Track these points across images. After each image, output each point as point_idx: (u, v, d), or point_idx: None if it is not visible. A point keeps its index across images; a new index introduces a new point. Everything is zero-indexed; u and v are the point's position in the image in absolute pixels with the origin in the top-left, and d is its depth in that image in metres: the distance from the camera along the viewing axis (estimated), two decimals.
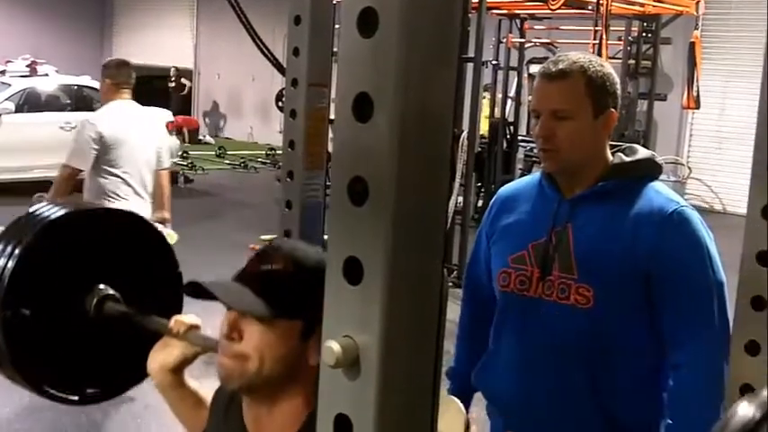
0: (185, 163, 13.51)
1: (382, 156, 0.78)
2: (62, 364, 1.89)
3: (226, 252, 7.04)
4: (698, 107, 10.48)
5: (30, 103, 11.14)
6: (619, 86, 2.03)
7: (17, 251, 1.80)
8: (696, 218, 1.97)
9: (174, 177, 12.22)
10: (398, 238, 0.80)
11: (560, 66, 1.95)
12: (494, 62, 10.71)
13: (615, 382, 1.98)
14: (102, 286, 1.86)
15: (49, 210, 1.87)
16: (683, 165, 13.45)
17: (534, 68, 10.75)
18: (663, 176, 2.12)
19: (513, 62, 11.30)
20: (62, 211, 1.87)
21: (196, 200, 11.08)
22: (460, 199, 7.79)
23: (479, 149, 9.85)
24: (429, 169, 0.82)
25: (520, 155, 11.25)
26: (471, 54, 7.08)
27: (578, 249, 1.97)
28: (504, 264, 2.08)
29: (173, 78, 18.30)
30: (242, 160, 15.17)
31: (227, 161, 15.38)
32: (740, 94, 12.46)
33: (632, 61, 11.63)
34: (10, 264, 1.79)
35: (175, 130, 12.74)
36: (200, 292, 1.40)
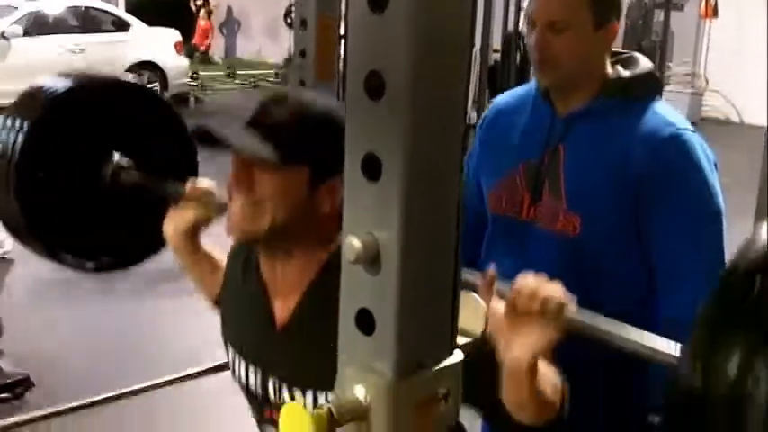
0: (195, 83, 13.44)
1: (399, 48, 0.77)
2: (78, 231, 1.91)
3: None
4: (716, 16, 10.28)
5: (37, 26, 11.03)
6: None
7: (29, 121, 1.81)
8: (695, 141, 1.83)
9: (184, 99, 12.20)
10: (417, 133, 0.79)
11: None
12: None
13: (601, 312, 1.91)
14: (117, 156, 1.87)
15: (62, 80, 1.88)
16: (700, 76, 13.27)
17: None
18: (679, 88, 2.03)
19: None
20: (73, 83, 1.88)
21: (221, 121, 11.04)
22: (474, 114, 7.74)
23: (492, 63, 9.72)
24: (447, 62, 0.81)
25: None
26: None
27: (568, 174, 1.86)
28: (496, 185, 1.99)
29: None
30: (252, 80, 15.07)
31: (237, 81, 15.28)
32: (760, 2, 12.19)
33: None
34: (22, 134, 1.79)
35: (185, 50, 12.62)
36: (208, 138, 1.39)
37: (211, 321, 1.73)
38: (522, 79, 10.75)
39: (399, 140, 0.78)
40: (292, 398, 1.46)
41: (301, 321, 1.45)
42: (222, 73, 15.88)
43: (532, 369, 1.18)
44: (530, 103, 1.96)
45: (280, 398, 1.49)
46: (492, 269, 1.24)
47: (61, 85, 1.87)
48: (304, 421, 0.79)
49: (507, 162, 1.95)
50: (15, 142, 1.80)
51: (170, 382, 3.55)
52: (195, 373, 3.83)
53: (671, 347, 1.07)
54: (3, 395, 3.74)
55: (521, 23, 11.15)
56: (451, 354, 0.87)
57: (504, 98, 2.12)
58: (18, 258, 5.48)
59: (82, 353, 4.28)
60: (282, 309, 1.48)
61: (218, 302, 1.70)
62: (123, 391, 3.46)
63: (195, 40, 17.25)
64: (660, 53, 10.15)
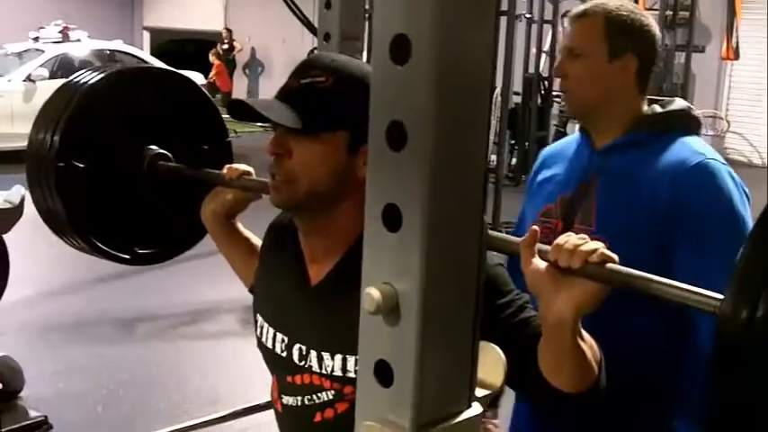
0: (233, 136, 13.54)
1: (420, 98, 0.77)
2: (115, 221, 1.92)
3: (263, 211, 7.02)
4: (737, 58, 10.27)
5: (63, 69, 11.21)
6: (650, 34, 1.93)
7: (66, 112, 1.83)
8: (724, 171, 1.84)
9: None
10: (437, 184, 0.79)
11: (585, 6, 1.91)
12: (527, 15, 10.56)
13: (619, 341, 1.81)
14: (154, 147, 1.89)
15: (95, 73, 1.90)
16: (722, 118, 13.24)
17: None
18: (701, 131, 2.04)
19: (548, 15, 11.13)
20: (110, 72, 1.91)
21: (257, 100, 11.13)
22: (494, 157, 7.74)
23: (513, 106, 9.76)
24: (468, 113, 0.81)
25: (554, 111, 11.12)
26: (504, 7, 7.00)
27: (599, 201, 1.91)
28: (533, 218, 2.05)
29: (225, 40, 18.36)
30: None
31: (259, 124, 15.38)
32: None
33: (670, 12, 11.40)
34: (64, 117, 1.82)
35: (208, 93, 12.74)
36: (245, 113, 1.40)
37: (231, 366, 1.73)
38: (541, 121, 10.77)
39: (420, 190, 0.78)
40: (320, 360, 1.45)
41: (336, 282, 1.45)
42: (261, 128, 16.01)
43: (574, 325, 1.17)
44: (574, 144, 2.05)
45: (306, 362, 1.48)
46: (536, 227, 1.24)
47: (96, 76, 1.89)
48: None
49: (548, 197, 2.03)
50: (54, 135, 1.82)
51: (191, 428, 3.53)
52: (216, 419, 3.81)
53: (712, 295, 1.05)
54: None
55: (541, 66, 11.21)
56: (470, 407, 0.86)
57: (551, 146, 2.24)
58: (36, 299, 5.52)
59: (101, 395, 4.27)
60: (317, 272, 1.49)
61: (252, 289, 1.71)
62: None
63: (217, 83, 17.49)
64: (681, 95, 10.15)
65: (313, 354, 1.47)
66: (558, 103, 11.20)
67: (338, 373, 1.44)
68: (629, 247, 1.81)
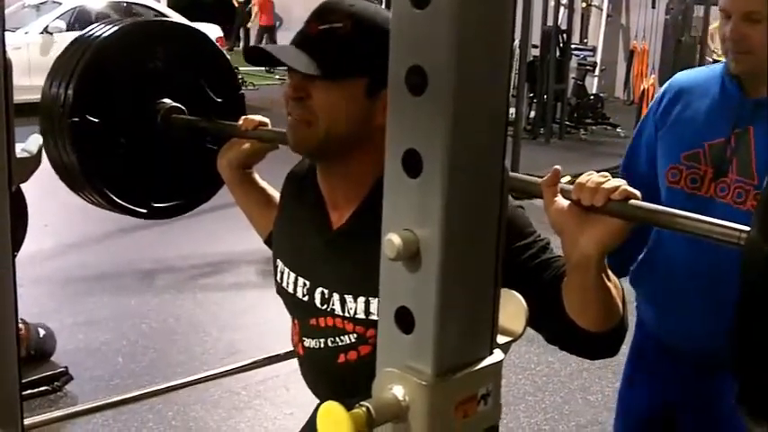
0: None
1: (441, 42, 0.76)
2: (130, 175, 1.92)
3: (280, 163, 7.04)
4: None
5: (80, 21, 11.17)
6: None
7: (79, 66, 1.82)
8: None
9: None
10: (458, 129, 0.78)
11: None
12: None
13: None
14: (167, 100, 1.89)
15: (110, 25, 1.90)
16: None
17: None
18: None
19: None
20: (123, 25, 1.90)
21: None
22: (512, 110, 7.69)
23: (531, 59, 9.66)
24: (490, 57, 0.80)
25: (573, 63, 11.01)
26: None
27: (761, 154, 1.91)
28: (676, 159, 2.04)
29: None
30: None
31: (278, 76, 15.34)
32: None
33: None
34: (77, 72, 1.81)
35: (226, 46, 12.69)
36: (262, 59, 1.40)
37: (250, 317, 1.74)
38: (560, 74, 10.66)
39: (440, 135, 0.77)
40: (343, 302, 1.46)
41: (357, 226, 1.46)
42: (263, 68, 15.96)
43: (600, 263, 1.17)
44: (714, 84, 2.03)
45: (328, 305, 1.49)
46: (557, 167, 1.24)
47: (108, 30, 1.88)
48: (341, 421, 0.78)
49: (691, 140, 2.02)
50: (67, 90, 1.82)
51: (210, 378, 3.57)
52: (235, 369, 3.85)
53: (737, 227, 1.06)
54: (42, 388, 3.78)
55: (560, 18, 11.06)
56: (492, 353, 0.86)
57: (683, 77, 2.17)
58: (56, 250, 5.55)
59: (121, 346, 4.32)
60: (339, 217, 1.50)
61: (268, 242, 1.73)
62: (163, 386, 3.48)
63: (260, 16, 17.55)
64: (700, 48, 10.01)
65: (336, 297, 1.47)
66: (577, 56, 11.09)
67: (361, 315, 1.45)
68: None
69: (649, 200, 2.11)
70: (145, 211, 1.95)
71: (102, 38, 1.86)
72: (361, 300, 1.44)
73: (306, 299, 1.53)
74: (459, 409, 0.82)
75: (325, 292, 1.49)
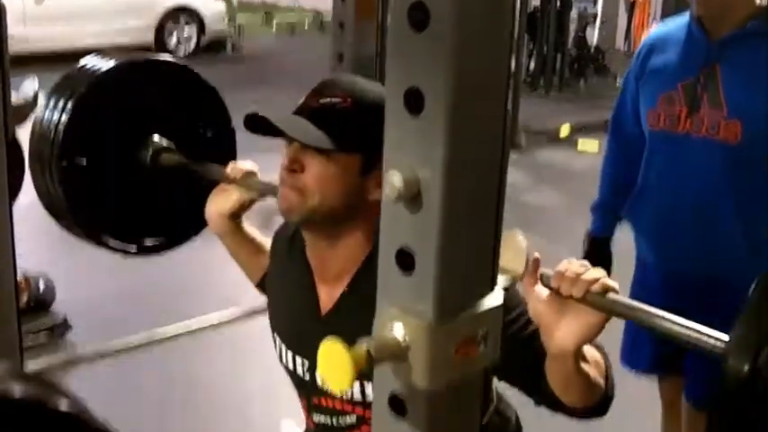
0: (232, 29, 13.38)
1: None
2: (120, 214, 1.93)
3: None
4: None
5: None
6: None
7: (71, 102, 1.80)
8: None
9: (222, 44, 12.16)
10: (461, 65, 0.76)
11: None
12: None
13: (759, 213, 2.10)
14: (157, 138, 1.87)
15: (100, 62, 1.87)
16: None
17: None
18: None
19: None
20: (114, 63, 1.86)
21: (245, 66, 11.03)
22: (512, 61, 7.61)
23: (531, 10, 9.55)
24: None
25: (573, 14, 10.89)
26: None
27: (727, 86, 2.07)
28: (653, 103, 2.20)
29: None
30: (289, 25, 14.97)
31: (274, 27, 15.20)
32: None
33: None
34: (65, 115, 1.80)
35: None
36: (260, 126, 1.38)
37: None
38: (560, 25, 10.56)
39: (443, 72, 0.76)
40: None
41: (346, 310, 1.44)
42: (259, 18, 15.81)
43: (577, 354, 1.17)
44: (683, 32, 2.21)
45: (327, 387, 1.49)
46: (536, 255, 1.22)
47: (102, 64, 1.86)
48: (343, 360, 0.78)
49: (665, 83, 2.20)
50: (59, 123, 1.80)
51: (211, 326, 3.59)
52: (236, 317, 3.87)
53: (717, 336, 1.01)
54: (42, 338, 3.80)
55: None
56: (492, 293, 0.86)
57: (656, 31, 2.41)
58: None
59: (121, 296, 4.33)
60: (328, 296, 1.48)
61: (260, 285, 1.71)
62: (162, 335, 3.50)
63: None
64: None
65: None
66: (578, 6, 10.97)
67: (358, 398, 1.46)
68: (761, 127, 2.03)
69: (636, 155, 2.29)
70: (135, 249, 1.96)
71: (94, 76, 1.84)
72: (356, 384, 1.45)
73: (307, 378, 1.53)
74: (459, 349, 0.82)
75: None
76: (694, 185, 2.15)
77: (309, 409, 1.58)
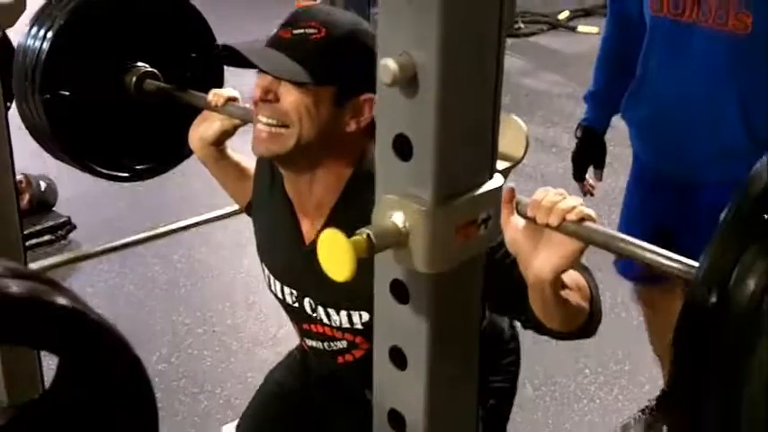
0: None
1: None
2: (108, 142, 1.93)
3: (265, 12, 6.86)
4: None
5: None
6: None
7: (51, 33, 1.79)
8: None
9: None
10: None
11: None
12: None
13: (765, 109, 1.95)
14: (140, 64, 1.86)
15: None
16: None
17: None
18: None
19: None
20: None
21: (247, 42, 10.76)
22: None
23: None
24: None
25: None
26: None
27: None
28: None
29: None
30: None
31: None
32: None
33: None
34: (46, 43, 1.78)
35: None
36: (235, 58, 1.36)
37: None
38: None
39: None
40: (328, 315, 1.50)
41: None
42: None
43: (555, 283, 1.16)
44: None
45: (317, 314, 1.52)
46: (512, 186, 1.20)
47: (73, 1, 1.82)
48: (343, 247, 0.78)
49: None
50: (41, 50, 1.78)
51: (214, 219, 3.59)
52: (235, 211, 3.87)
53: (688, 263, 0.99)
54: (46, 237, 3.82)
55: None
56: (491, 178, 0.85)
57: None
58: None
59: (122, 195, 4.32)
60: (310, 228, 1.49)
61: (248, 211, 1.71)
62: (165, 229, 3.51)
63: None
64: None
65: (320, 309, 1.50)
66: None
67: (346, 325, 1.48)
68: None
69: (636, 40, 2.11)
70: (127, 174, 1.96)
71: (68, 9, 1.80)
72: (344, 313, 1.46)
73: (297, 306, 1.54)
74: (460, 233, 0.82)
75: (312, 302, 1.51)
76: (697, 78, 2.01)
77: (302, 333, 1.62)
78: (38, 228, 3.79)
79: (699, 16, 1.95)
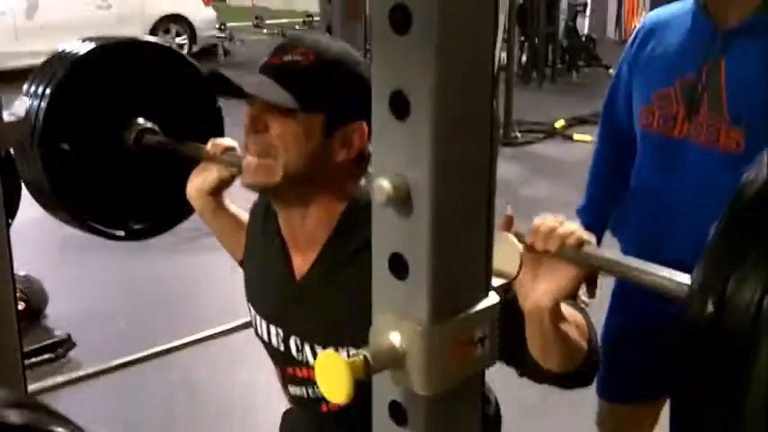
0: (223, 35, 13.38)
1: None
2: (106, 199, 1.92)
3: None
4: None
5: None
6: None
7: (50, 88, 1.79)
8: None
9: (213, 51, 12.16)
10: (445, 68, 0.75)
11: None
12: None
13: None
14: (140, 120, 1.86)
15: (79, 45, 1.86)
16: None
17: None
18: None
19: None
20: (93, 46, 1.85)
21: (237, 72, 11.03)
22: (504, 54, 7.61)
23: (521, 2, 9.55)
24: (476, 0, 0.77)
25: (563, 5, 10.88)
26: None
27: (730, 88, 1.83)
28: (647, 100, 1.97)
29: None
30: (279, 29, 14.97)
31: (265, 30, 15.19)
32: None
33: None
34: (44, 101, 1.79)
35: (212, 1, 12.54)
36: (224, 86, 1.36)
37: None
38: (550, 16, 10.54)
39: (427, 75, 0.74)
40: (314, 354, 1.45)
41: (320, 274, 1.43)
42: (250, 23, 15.80)
43: (555, 313, 1.14)
44: (686, 19, 1.94)
45: (302, 355, 1.48)
46: (510, 210, 1.21)
47: (84, 47, 1.85)
48: (340, 369, 0.77)
49: (662, 78, 1.94)
50: (39, 108, 1.79)
51: (211, 337, 3.58)
52: (234, 328, 3.86)
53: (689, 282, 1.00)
54: (45, 356, 3.77)
55: None
56: (487, 296, 0.85)
57: (655, 15, 2.09)
58: (49, 216, 5.51)
59: (122, 311, 4.31)
60: (301, 263, 1.47)
61: (243, 262, 1.69)
62: (164, 347, 3.49)
63: None
64: None
65: (307, 347, 1.47)
66: None
67: None
68: (766, 134, 1.75)
69: (626, 150, 2.05)
70: (123, 233, 1.95)
71: (75, 58, 1.83)
72: (330, 350, 1.43)
73: (282, 348, 1.51)
74: (457, 352, 0.81)
75: (298, 341, 1.48)
76: (690, 191, 1.93)
77: (285, 381, 1.56)
78: (36, 346, 3.75)
79: (691, 132, 1.90)
